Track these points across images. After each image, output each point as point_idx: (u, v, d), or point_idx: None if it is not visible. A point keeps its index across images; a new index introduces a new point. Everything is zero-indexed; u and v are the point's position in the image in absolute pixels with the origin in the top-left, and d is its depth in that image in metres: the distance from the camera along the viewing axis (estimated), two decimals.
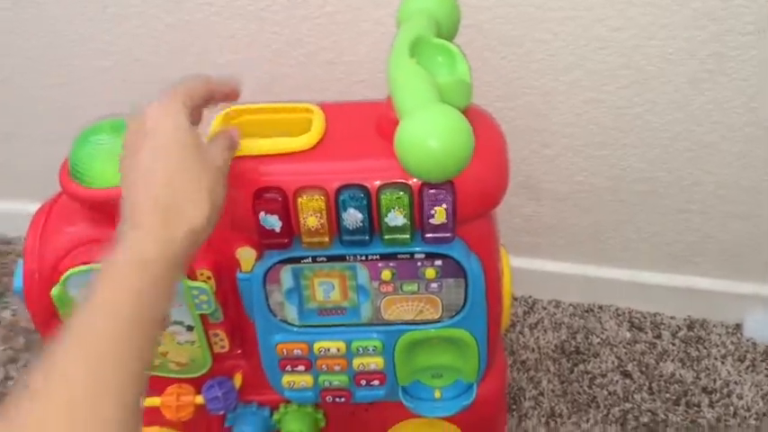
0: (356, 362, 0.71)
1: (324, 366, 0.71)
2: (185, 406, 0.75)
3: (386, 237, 0.63)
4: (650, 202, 0.91)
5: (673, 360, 0.93)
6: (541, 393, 0.90)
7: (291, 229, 0.63)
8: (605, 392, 0.90)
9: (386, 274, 0.65)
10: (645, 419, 0.87)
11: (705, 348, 0.94)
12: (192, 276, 0.68)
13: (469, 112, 0.62)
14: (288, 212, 0.62)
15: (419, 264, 0.65)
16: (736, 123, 0.81)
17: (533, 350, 0.96)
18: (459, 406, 0.73)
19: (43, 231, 0.70)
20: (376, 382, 0.73)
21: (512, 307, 1.00)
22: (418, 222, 0.63)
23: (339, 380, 0.72)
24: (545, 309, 1.01)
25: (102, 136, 0.66)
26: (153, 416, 0.76)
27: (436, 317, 0.68)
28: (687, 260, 0.96)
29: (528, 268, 1.02)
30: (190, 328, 0.71)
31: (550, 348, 0.96)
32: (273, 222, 0.62)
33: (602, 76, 0.80)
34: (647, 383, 0.91)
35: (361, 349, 0.70)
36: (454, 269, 0.65)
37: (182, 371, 0.75)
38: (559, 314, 1.00)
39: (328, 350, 0.70)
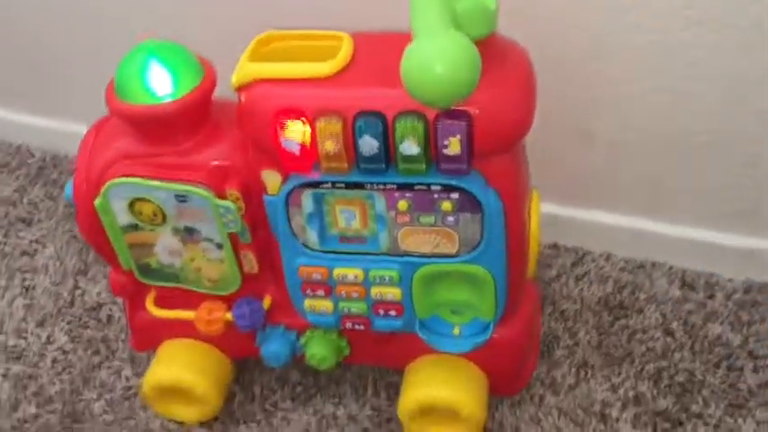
0: (374, 290, 0.72)
1: (343, 293, 0.73)
2: (215, 321, 0.79)
3: (401, 166, 0.63)
4: (712, 155, 0.86)
5: (722, 322, 0.89)
6: (576, 344, 0.89)
7: (311, 153, 0.64)
8: (643, 348, 0.87)
9: (402, 205, 0.66)
10: (680, 379, 0.84)
11: (758, 313, 0.89)
12: (221, 195, 0.71)
13: (492, 42, 0.61)
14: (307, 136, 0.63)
15: (435, 196, 0.65)
16: None
17: (575, 301, 0.94)
18: (473, 344, 0.73)
19: (92, 146, 0.74)
20: (393, 313, 0.74)
21: (557, 258, 0.99)
22: (434, 154, 0.62)
23: (358, 307, 0.74)
24: (594, 261, 0.98)
25: (145, 55, 0.69)
26: (188, 328, 0.81)
27: (453, 251, 0.68)
28: (749, 220, 0.90)
29: (580, 218, 0.99)
30: (219, 246, 0.74)
31: (593, 301, 0.93)
32: (293, 145, 0.64)
33: (661, 15, 0.76)
34: (689, 343, 0.87)
35: (378, 278, 0.71)
36: (471, 203, 0.65)
37: (214, 287, 0.79)
38: (609, 267, 0.97)
39: (347, 277, 0.71)
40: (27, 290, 1.07)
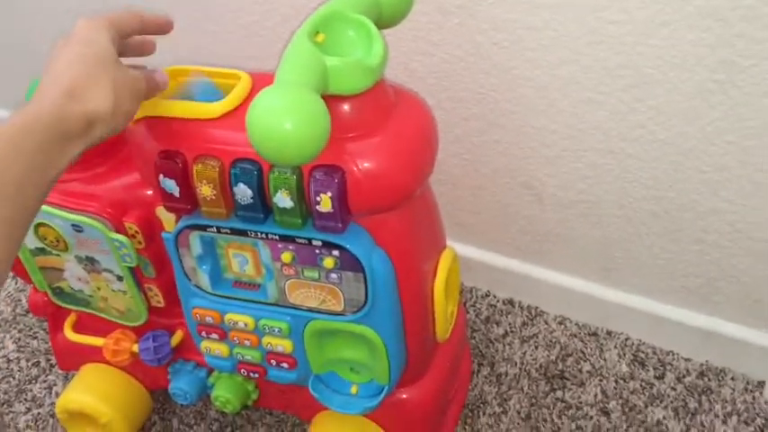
0: (265, 340, 0.69)
1: (236, 339, 0.71)
2: (122, 351, 0.78)
3: (277, 218, 0.60)
4: (661, 225, 0.79)
5: (665, 407, 0.81)
6: (504, 412, 0.83)
7: (191, 196, 0.62)
8: (573, 426, 0.81)
9: (286, 257, 0.63)
10: None
11: (709, 401, 0.81)
12: (119, 229, 0.69)
13: (381, 95, 0.58)
14: (187, 178, 0.61)
15: (317, 251, 0.62)
16: (755, 146, 0.68)
17: (515, 365, 0.88)
18: (364, 407, 0.69)
19: None
20: (285, 365, 0.71)
21: (509, 315, 0.94)
22: (309, 208, 0.59)
23: (252, 355, 0.71)
24: (546, 324, 0.93)
25: None
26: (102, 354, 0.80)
27: (339, 309, 0.65)
28: (706, 298, 0.83)
29: (538, 276, 0.93)
30: (120, 278, 0.73)
31: (534, 367, 0.88)
32: (172, 186, 0.62)
33: (599, 74, 0.71)
34: (624, 426, 0.80)
35: (268, 328, 0.68)
36: (351, 262, 0.61)
37: (122, 317, 0.78)
38: (559, 332, 0.91)
39: (237, 323, 0.69)
40: None
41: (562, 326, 0.92)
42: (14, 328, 1.03)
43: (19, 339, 1.01)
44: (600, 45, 0.69)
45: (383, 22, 0.62)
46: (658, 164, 0.74)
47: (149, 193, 0.69)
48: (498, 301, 0.97)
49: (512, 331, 0.92)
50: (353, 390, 0.71)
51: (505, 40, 0.73)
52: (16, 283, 1.09)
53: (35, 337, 1.01)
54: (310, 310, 0.66)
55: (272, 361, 0.71)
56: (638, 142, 0.74)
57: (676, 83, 0.67)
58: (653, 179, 0.76)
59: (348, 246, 0.60)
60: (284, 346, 0.69)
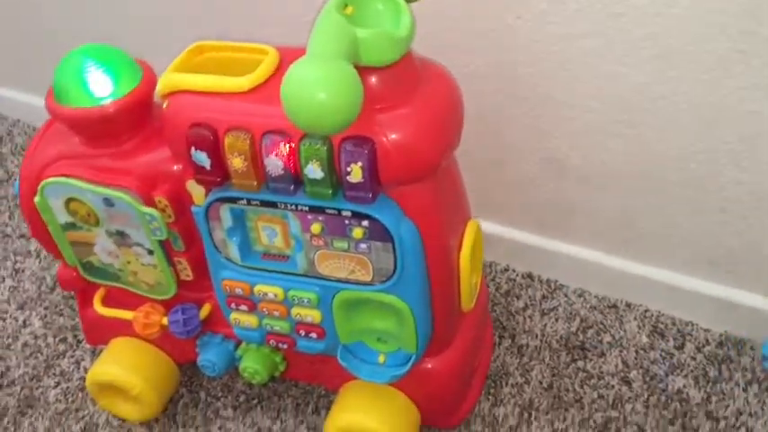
0: (294, 311, 0.71)
1: (265, 309, 0.72)
2: (152, 325, 0.79)
3: (308, 189, 0.61)
4: (684, 196, 0.80)
5: (686, 376, 0.83)
6: (527, 382, 0.84)
7: (222, 168, 0.63)
8: (595, 395, 0.82)
9: (315, 228, 0.64)
10: None
11: (729, 370, 0.82)
12: (149, 203, 0.71)
13: (408, 67, 0.59)
14: (218, 151, 0.62)
15: (347, 222, 0.63)
16: None
17: (536, 336, 0.89)
18: (391, 376, 0.71)
19: (36, 146, 0.76)
20: (314, 335, 0.72)
21: (529, 288, 0.95)
22: (340, 179, 0.60)
23: (281, 326, 0.72)
24: (566, 297, 0.94)
25: (82, 58, 0.70)
26: (133, 329, 0.81)
27: (368, 279, 0.66)
28: (727, 269, 0.84)
29: (557, 250, 0.94)
30: (150, 252, 0.74)
31: (555, 339, 0.89)
32: (203, 159, 0.63)
33: (622, 46, 0.71)
34: (645, 395, 0.82)
35: (297, 299, 0.69)
36: (381, 232, 0.62)
37: (151, 291, 0.79)
38: (579, 304, 0.92)
39: (267, 294, 0.70)
40: (16, 272, 1.10)
41: (581, 298, 0.93)
42: (40, 305, 1.05)
43: (45, 316, 1.03)
44: (622, 17, 0.69)
45: None
46: (681, 134, 0.75)
47: (178, 167, 0.70)
48: (517, 275, 0.98)
49: (532, 304, 0.94)
50: (381, 359, 0.73)
51: (528, 12, 0.74)
52: (40, 262, 1.11)
53: (61, 314, 1.03)
54: (339, 280, 0.67)
55: (300, 331, 0.72)
56: (660, 113, 0.74)
57: (699, 53, 0.68)
58: (675, 149, 0.76)
59: (378, 216, 0.61)
60: (313, 316, 0.70)
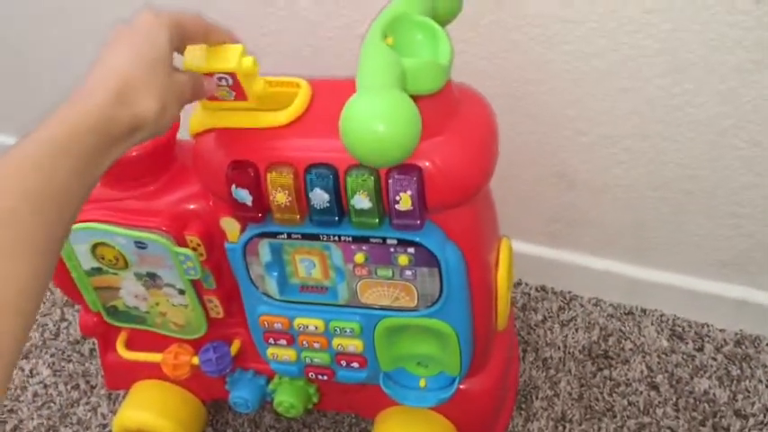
0: (335, 342, 0.70)
1: (305, 342, 0.71)
2: (182, 365, 0.78)
3: (354, 219, 0.62)
4: (696, 202, 0.82)
5: (710, 376, 0.85)
6: (556, 395, 0.86)
7: (263, 204, 0.63)
8: (625, 402, 0.84)
9: (359, 257, 0.64)
10: None
11: (750, 368, 0.85)
12: (181, 242, 0.70)
13: (448, 93, 0.60)
14: (259, 187, 0.62)
15: (392, 249, 0.63)
16: None
17: (558, 348, 0.91)
18: (437, 399, 0.71)
19: None
20: (356, 365, 0.72)
21: (545, 301, 0.97)
22: (387, 208, 0.61)
23: (321, 357, 0.72)
24: (582, 307, 0.95)
25: None
26: (159, 370, 0.80)
27: (412, 305, 0.66)
28: (740, 269, 0.86)
29: (570, 261, 0.96)
30: (182, 292, 0.73)
31: (577, 349, 0.90)
32: (245, 196, 0.63)
33: (636, 62, 0.73)
34: (674, 398, 0.83)
35: (338, 330, 0.69)
36: (427, 258, 0.63)
37: (180, 331, 0.78)
38: (596, 314, 0.94)
39: (307, 327, 0.70)
40: None
41: (598, 307, 0.95)
42: (46, 353, 1.02)
43: (53, 364, 1.00)
44: (637, 34, 0.71)
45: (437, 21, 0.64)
46: (694, 144, 0.77)
47: (207, 204, 0.70)
48: (531, 288, 0.99)
49: (549, 317, 0.95)
50: (422, 383, 0.73)
51: (542, 35, 0.76)
52: (40, 309, 1.08)
53: (69, 360, 1.00)
54: (382, 308, 0.67)
55: (342, 362, 0.72)
56: (674, 125, 0.77)
57: (714, 65, 0.70)
58: (688, 159, 0.79)
59: (424, 242, 0.62)
60: (356, 345, 0.70)
